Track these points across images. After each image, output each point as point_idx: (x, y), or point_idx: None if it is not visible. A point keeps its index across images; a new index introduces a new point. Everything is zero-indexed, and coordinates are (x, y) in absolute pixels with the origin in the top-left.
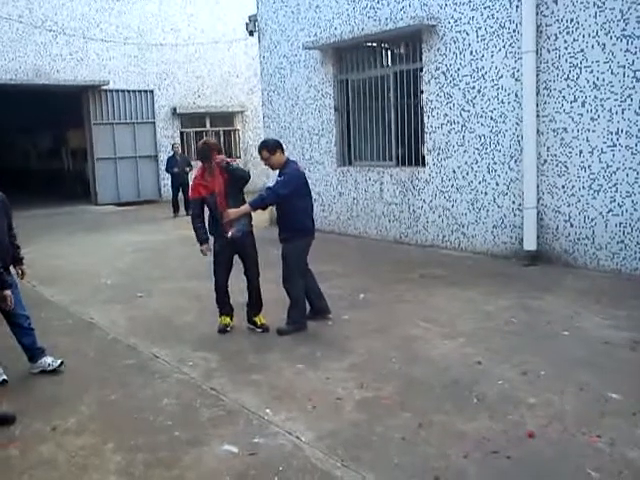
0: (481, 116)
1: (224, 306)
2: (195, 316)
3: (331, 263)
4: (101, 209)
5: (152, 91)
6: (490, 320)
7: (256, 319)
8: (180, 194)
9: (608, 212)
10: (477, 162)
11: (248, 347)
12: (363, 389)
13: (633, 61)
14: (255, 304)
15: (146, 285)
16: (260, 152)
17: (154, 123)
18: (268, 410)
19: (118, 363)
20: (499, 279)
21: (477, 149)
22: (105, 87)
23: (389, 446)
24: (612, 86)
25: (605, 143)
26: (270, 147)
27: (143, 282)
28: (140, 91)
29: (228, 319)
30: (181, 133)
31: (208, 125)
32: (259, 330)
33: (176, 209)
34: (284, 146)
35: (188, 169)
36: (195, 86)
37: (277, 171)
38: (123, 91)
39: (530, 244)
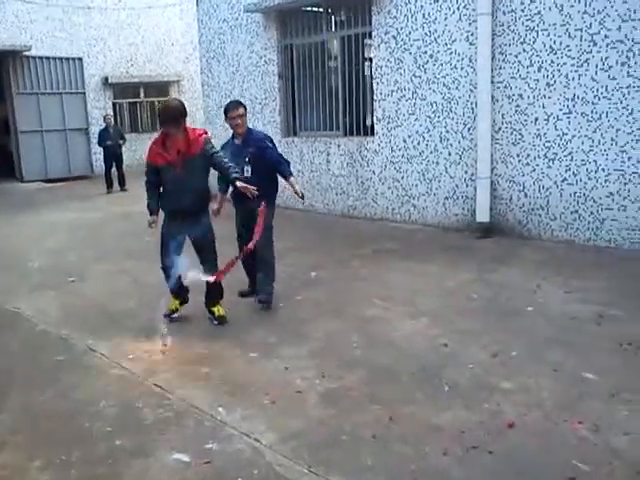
0: (433, 82)
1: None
2: (136, 302)
3: (278, 239)
4: (27, 186)
5: (81, 59)
6: (451, 297)
7: (214, 309)
8: (114, 169)
9: (563, 181)
10: (429, 131)
11: (195, 336)
12: (325, 379)
13: (590, 24)
14: (213, 292)
15: (79, 268)
16: (237, 109)
17: (84, 93)
18: (221, 409)
19: (48, 359)
20: (454, 252)
21: (429, 117)
22: (27, 53)
23: (360, 446)
24: (569, 50)
25: (561, 110)
26: (245, 108)
27: (76, 264)
28: (67, 58)
29: (177, 303)
30: (113, 104)
31: (142, 95)
32: (215, 322)
33: (109, 185)
34: (224, 117)
35: (122, 142)
36: (128, 54)
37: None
38: (48, 58)
39: (483, 215)
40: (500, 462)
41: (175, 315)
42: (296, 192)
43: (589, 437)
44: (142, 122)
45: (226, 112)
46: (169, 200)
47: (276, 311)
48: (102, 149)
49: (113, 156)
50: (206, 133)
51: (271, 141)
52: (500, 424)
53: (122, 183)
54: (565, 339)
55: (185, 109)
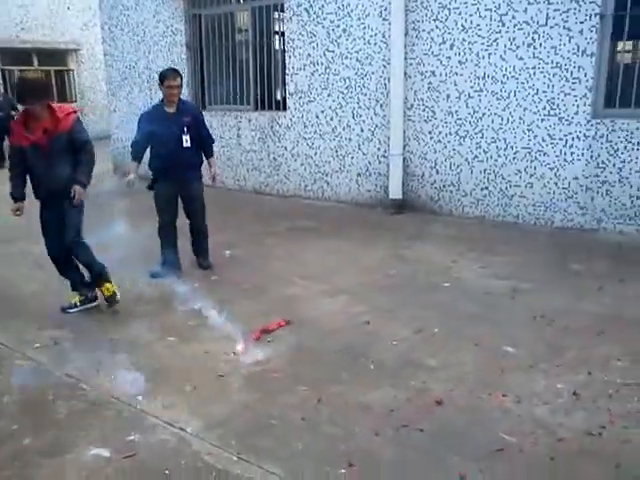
0: (346, 57)
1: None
2: (37, 286)
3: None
4: None
5: None
6: (368, 274)
7: (102, 288)
8: (5, 142)
9: (473, 158)
10: (341, 107)
11: (106, 319)
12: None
13: (499, 5)
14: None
15: None
16: (175, 79)
17: None
18: (140, 397)
19: None
20: (368, 229)
21: (342, 93)
22: None
23: (289, 429)
24: (479, 29)
25: (472, 88)
26: (182, 77)
27: None
28: None
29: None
30: (2, 71)
31: (36, 63)
32: (107, 304)
33: (2, 159)
34: (130, 88)
35: (14, 112)
36: (17, 16)
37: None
38: None
39: (396, 192)
40: (431, 439)
41: (73, 310)
42: (213, 174)
43: (513, 409)
44: None
45: (163, 80)
46: (39, 184)
47: (191, 292)
48: None
49: (4, 128)
50: (75, 112)
51: (202, 114)
52: (428, 401)
53: (1, 159)
54: (483, 314)
55: (49, 84)
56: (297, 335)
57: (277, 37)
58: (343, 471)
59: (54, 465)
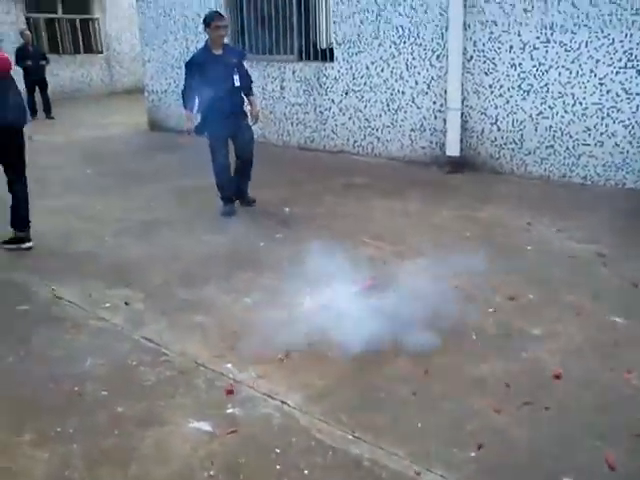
0: (399, 4)
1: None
2: (94, 242)
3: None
4: None
5: None
6: (442, 235)
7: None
8: (37, 93)
9: (538, 114)
10: (394, 57)
11: (173, 278)
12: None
13: None
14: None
15: None
16: (223, 19)
17: None
18: (230, 365)
19: (8, 310)
20: (428, 188)
21: (394, 42)
22: None
23: (402, 405)
24: None
25: (538, 38)
26: None
27: None
28: None
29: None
30: (27, 19)
31: (60, 11)
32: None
33: (34, 111)
34: (164, 37)
35: (44, 62)
36: None
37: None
38: None
39: (453, 149)
40: (560, 419)
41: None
42: (257, 112)
43: None
44: (62, 43)
45: (210, 22)
46: None
47: (258, 250)
48: (22, 70)
49: (36, 78)
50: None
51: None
52: (544, 375)
53: (48, 110)
54: (575, 280)
55: None
56: (382, 300)
57: None
58: (473, 454)
59: (154, 437)
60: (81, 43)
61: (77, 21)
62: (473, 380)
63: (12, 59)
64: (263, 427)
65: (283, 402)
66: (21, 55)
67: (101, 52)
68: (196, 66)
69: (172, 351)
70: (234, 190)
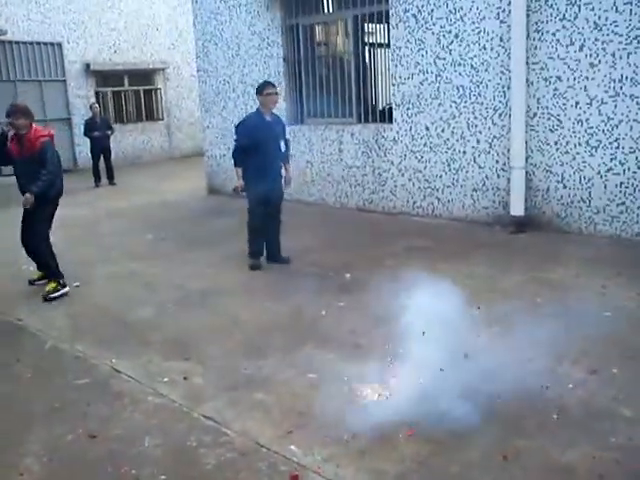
0: (459, 64)
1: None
2: (153, 310)
3: (294, 236)
4: (5, 180)
5: (60, 44)
6: (512, 300)
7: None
8: (101, 161)
9: (607, 171)
10: (455, 117)
11: (233, 351)
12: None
13: None
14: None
15: (80, 270)
16: (275, 87)
17: (65, 81)
18: (293, 447)
19: (66, 384)
20: (493, 249)
21: (455, 102)
22: (2, 37)
23: None
24: (616, 26)
25: (606, 92)
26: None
27: (75, 266)
28: (46, 43)
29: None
30: (96, 93)
31: (126, 84)
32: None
33: (98, 178)
34: (223, 104)
35: (110, 132)
36: (110, 40)
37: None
38: (25, 43)
39: (517, 209)
40: None
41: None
42: (290, 178)
43: None
44: (127, 112)
45: (263, 89)
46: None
47: (320, 320)
48: (89, 140)
49: (101, 148)
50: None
51: None
52: None
53: (111, 176)
54: None
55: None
56: (454, 374)
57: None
58: None
59: None
60: (144, 111)
61: (141, 91)
62: (561, 468)
63: (81, 130)
64: None
65: None
66: (89, 127)
67: (162, 119)
68: (249, 129)
69: (233, 430)
70: (262, 247)
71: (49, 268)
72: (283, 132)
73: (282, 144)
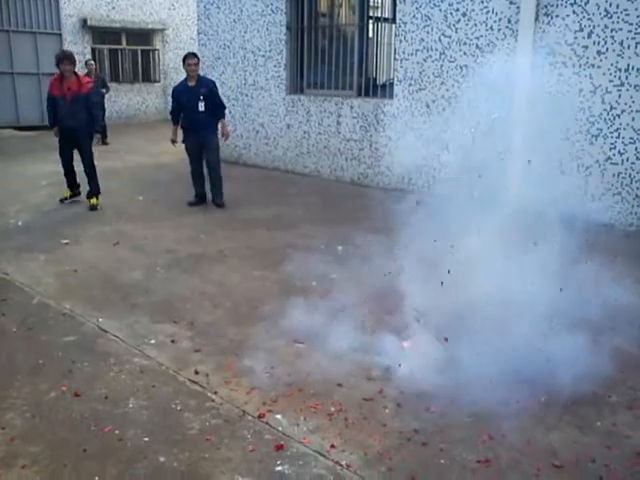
0: (464, 43)
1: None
2: (143, 273)
3: (288, 205)
4: None
5: None
6: None
7: (91, 200)
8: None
9: (606, 160)
10: (456, 96)
11: (222, 316)
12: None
13: None
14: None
15: (71, 228)
16: (192, 59)
17: (60, 35)
18: (279, 416)
19: (53, 340)
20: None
21: (457, 81)
22: None
23: (468, 476)
24: (627, 14)
25: (611, 82)
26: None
27: (66, 224)
28: None
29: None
30: (93, 50)
31: (124, 43)
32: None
33: (104, 136)
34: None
35: (104, 91)
36: None
37: None
38: None
39: None
40: None
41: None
42: (225, 132)
43: None
44: (123, 71)
45: (184, 60)
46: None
47: (309, 289)
48: None
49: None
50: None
51: (217, 87)
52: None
53: (104, 136)
54: None
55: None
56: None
57: (371, 22)
58: None
59: None
60: (140, 72)
61: (139, 52)
62: (544, 450)
63: None
64: None
65: (337, 462)
66: None
67: (159, 81)
68: (174, 94)
69: (218, 396)
70: (201, 189)
71: (97, 184)
72: (209, 94)
73: (201, 105)
